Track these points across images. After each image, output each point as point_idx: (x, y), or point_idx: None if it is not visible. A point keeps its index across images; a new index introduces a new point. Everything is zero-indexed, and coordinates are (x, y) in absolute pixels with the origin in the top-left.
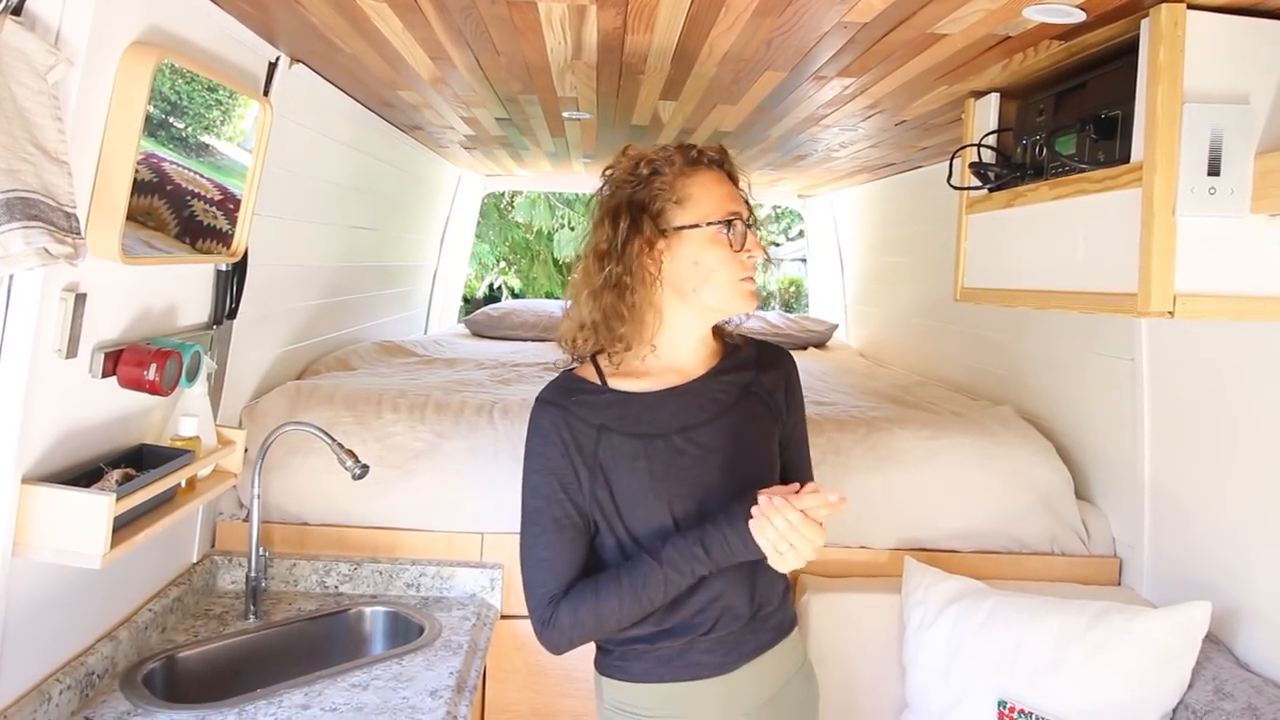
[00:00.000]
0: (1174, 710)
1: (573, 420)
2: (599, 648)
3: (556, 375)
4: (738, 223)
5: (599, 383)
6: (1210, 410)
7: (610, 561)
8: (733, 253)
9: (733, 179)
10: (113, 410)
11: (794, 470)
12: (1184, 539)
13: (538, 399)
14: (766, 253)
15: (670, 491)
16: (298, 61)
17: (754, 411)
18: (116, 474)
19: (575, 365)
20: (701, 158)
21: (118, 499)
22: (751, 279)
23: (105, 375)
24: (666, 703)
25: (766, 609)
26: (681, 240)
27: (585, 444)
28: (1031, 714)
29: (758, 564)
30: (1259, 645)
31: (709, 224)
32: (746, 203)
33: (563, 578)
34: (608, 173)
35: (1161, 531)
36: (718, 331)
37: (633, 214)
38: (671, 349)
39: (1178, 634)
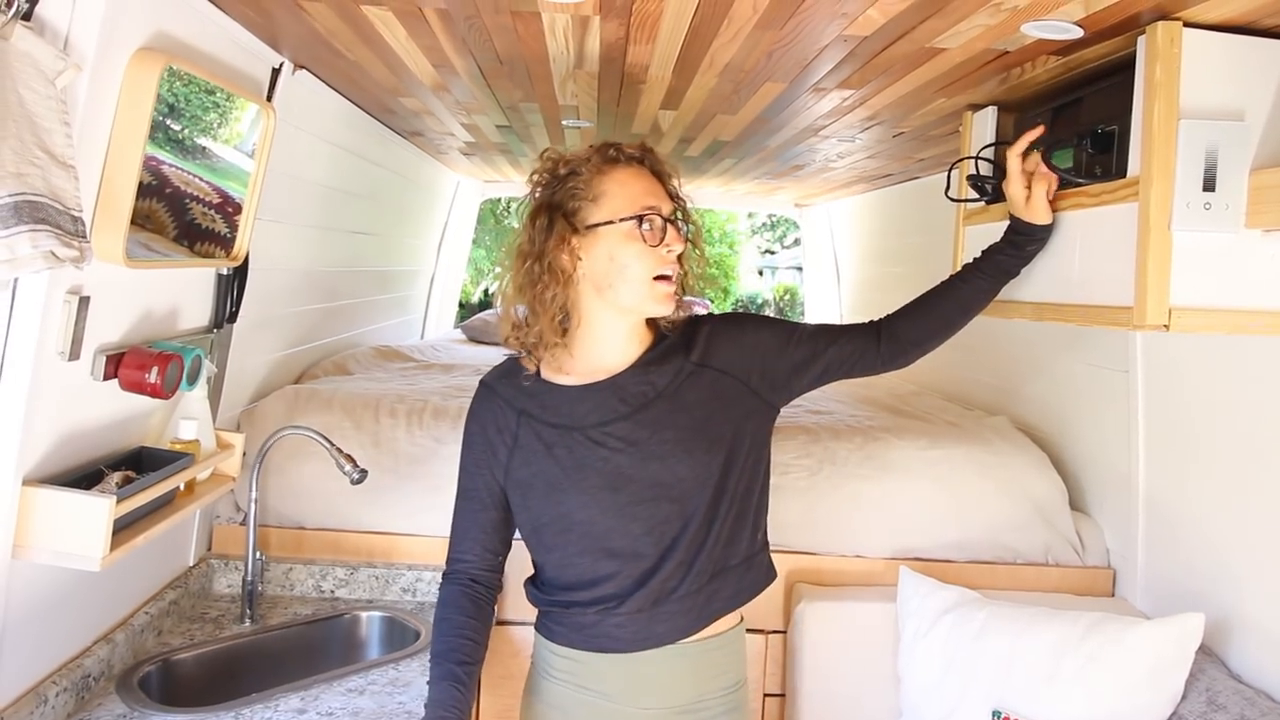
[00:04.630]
0: None
1: (497, 401)
2: (535, 606)
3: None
4: (654, 217)
5: (533, 371)
6: (1204, 422)
7: (526, 536)
8: (648, 248)
9: (659, 175)
10: (113, 413)
11: (838, 344)
12: (1177, 550)
13: (480, 380)
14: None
15: (586, 482)
16: (301, 68)
17: (697, 396)
18: (117, 476)
19: (523, 354)
20: (620, 155)
21: (118, 501)
22: (669, 277)
23: (107, 378)
24: (576, 669)
25: (681, 592)
26: (597, 237)
27: (506, 424)
28: None
29: (672, 544)
30: (1252, 657)
31: (621, 219)
32: (676, 198)
33: (460, 543)
34: (531, 177)
35: (1155, 543)
36: (653, 323)
37: (549, 214)
38: (595, 346)
39: (1171, 645)
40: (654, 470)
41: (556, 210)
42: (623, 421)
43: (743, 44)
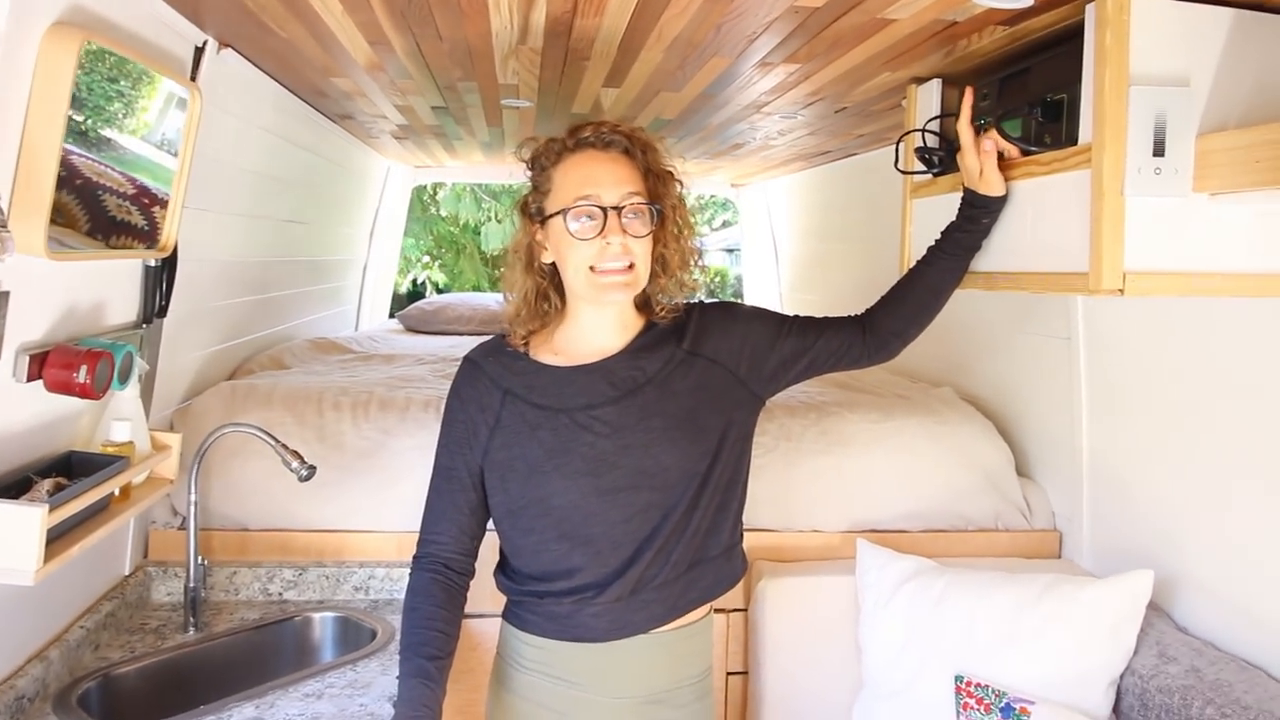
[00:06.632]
0: (1121, 675)
1: (481, 378)
2: (506, 595)
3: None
4: (589, 209)
5: (522, 350)
6: (1145, 386)
7: (499, 519)
8: (578, 240)
9: (630, 155)
10: (38, 416)
11: (825, 337)
12: (1122, 511)
13: (464, 355)
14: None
15: (568, 466)
16: (226, 46)
17: (686, 384)
18: (47, 484)
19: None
20: (577, 142)
21: (50, 510)
22: (613, 270)
23: (30, 379)
24: (548, 659)
25: (659, 580)
26: (550, 229)
27: (489, 403)
28: (989, 686)
29: (652, 533)
30: (1197, 610)
31: (555, 213)
32: (654, 178)
33: (435, 525)
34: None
35: (1100, 505)
36: (645, 308)
37: (523, 204)
38: (579, 332)
39: (1123, 602)
40: (637, 457)
41: (527, 201)
42: (610, 406)
43: (693, 16)
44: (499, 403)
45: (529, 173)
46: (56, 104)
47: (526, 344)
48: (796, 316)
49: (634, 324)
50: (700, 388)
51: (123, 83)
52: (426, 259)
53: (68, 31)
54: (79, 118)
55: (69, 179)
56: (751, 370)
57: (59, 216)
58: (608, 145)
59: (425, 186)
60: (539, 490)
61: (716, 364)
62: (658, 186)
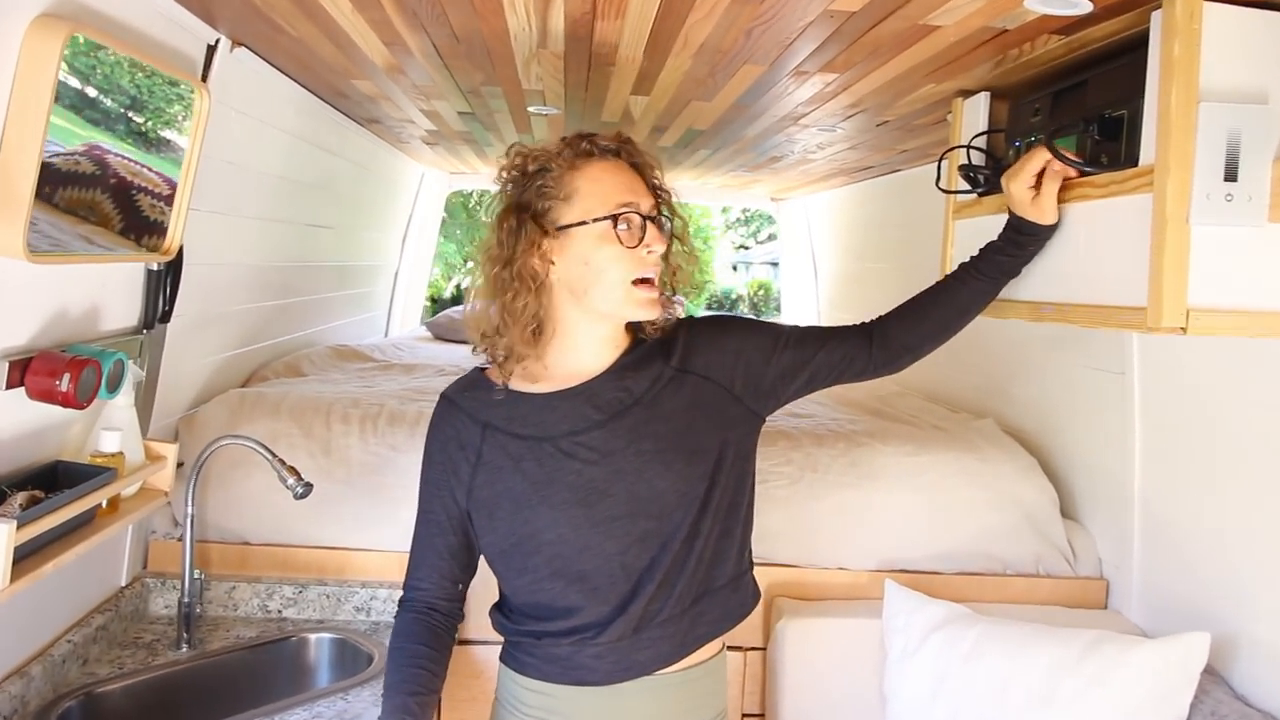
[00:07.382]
0: None
1: (458, 415)
2: (503, 636)
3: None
4: (631, 215)
5: (500, 382)
6: (1206, 427)
7: (492, 560)
8: (625, 249)
9: (638, 167)
10: (21, 424)
11: (827, 349)
12: (1175, 561)
13: (440, 393)
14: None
15: (555, 497)
16: (240, 45)
17: (676, 404)
18: (21, 497)
19: (489, 364)
20: (594, 148)
21: (19, 526)
22: (650, 281)
23: (11, 386)
24: (549, 705)
25: (663, 617)
26: (569, 239)
27: (469, 439)
28: None
29: (651, 565)
30: (1258, 676)
31: (595, 219)
32: (658, 192)
33: (417, 570)
34: (499, 174)
35: (1152, 553)
36: (632, 325)
37: (518, 215)
38: (569, 354)
39: (1175, 666)
40: (629, 484)
41: (526, 211)
42: (596, 430)
43: (719, 20)
44: (479, 437)
45: (524, 175)
46: (39, 100)
47: (506, 376)
48: (795, 327)
49: (622, 341)
50: (692, 406)
51: (183, 85)
52: (470, 265)
53: (52, 24)
54: (139, 119)
55: (103, 177)
56: (747, 386)
57: (91, 215)
58: (616, 154)
59: (471, 193)
60: (527, 525)
61: (709, 380)
62: (662, 199)
